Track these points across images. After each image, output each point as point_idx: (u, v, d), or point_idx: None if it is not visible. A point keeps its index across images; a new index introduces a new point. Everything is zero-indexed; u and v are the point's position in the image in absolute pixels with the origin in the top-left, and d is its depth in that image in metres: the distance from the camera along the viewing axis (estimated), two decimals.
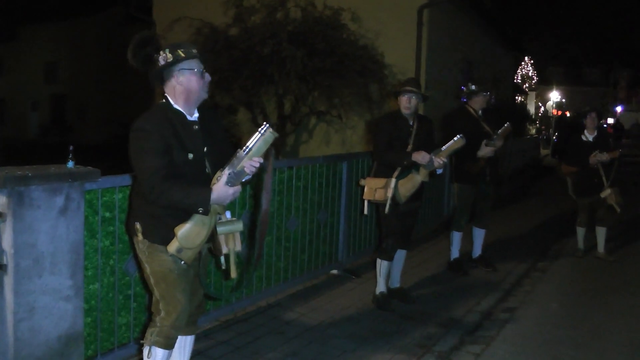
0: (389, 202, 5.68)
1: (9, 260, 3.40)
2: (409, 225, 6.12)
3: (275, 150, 3.43)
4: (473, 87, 7.24)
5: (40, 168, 3.63)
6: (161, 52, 3.47)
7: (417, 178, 5.74)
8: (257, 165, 3.34)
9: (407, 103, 5.84)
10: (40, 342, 3.57)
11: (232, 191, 3.36)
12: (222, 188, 3.33)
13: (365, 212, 6.08)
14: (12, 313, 3.42)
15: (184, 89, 3.51)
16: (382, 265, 6.05)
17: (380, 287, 6.10)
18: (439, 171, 5.81)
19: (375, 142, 5.97)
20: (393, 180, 5.68)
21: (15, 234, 3.39)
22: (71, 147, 3.74)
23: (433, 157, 5.64)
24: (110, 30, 33.44)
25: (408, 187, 5.70)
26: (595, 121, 8.36)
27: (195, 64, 3.51)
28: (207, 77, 3.59)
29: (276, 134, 3.32)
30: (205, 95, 3.62)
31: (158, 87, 3.65)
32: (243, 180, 3.38)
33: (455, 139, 5.70)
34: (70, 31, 35.51)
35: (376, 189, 5.79)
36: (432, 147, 5.77)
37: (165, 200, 3.34)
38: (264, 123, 3.34)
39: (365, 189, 5.93)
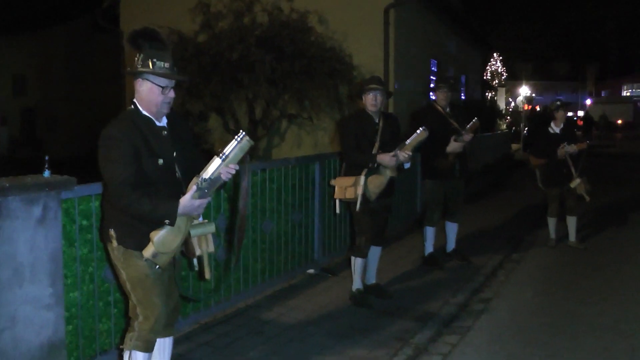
0: (359, 199, 5.78)
1: None
2: (382, 222, 6.23)
3: (249, 155, 3.51)
4: (434, 84, 7.42)
5: (17, 179, 3.68)
6: (138, 54, 3.53)
7: (386, 173, 5.84)
8: (233, 172, 3.44)
9: (373, 101, 5.94)
10: (23, 352, 3.62)
11: (198, 204, 3.45)
12: (188, 201, 3.42)
13: (337, 211, 6.17)
14: None
15: (144, 98, 3.58)
16: (356, 262, 6.15)
17: (356, 284, 6.20)
18: (407, 165, 5.93)
19: (342, 143, 6.07)
20: (362, 178, 5.78)
21: None
22: (47, 157, 3.80)
23: (398, 151, 5.75)
24: (77, 41, 33.21)
25: (377, 184, 5.80)
26: (564, 115, 8.56)
27: (159, 80, 3.53)
28: (171, 94, 3.61)
29: (252, 142, 3.42)
30: (165, 111, 3.64)
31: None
32: (217, 186, 3.47)
33: (418, 131, 5.83)
34: (37, 42, 35.18)
35: (346, 188, 5.89)
36: (398, 144, 5.87)
37: (133, 211, 3.42)
38: (240, 131, 3.43)
39: (336, 189, 6.02)
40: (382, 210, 6.12)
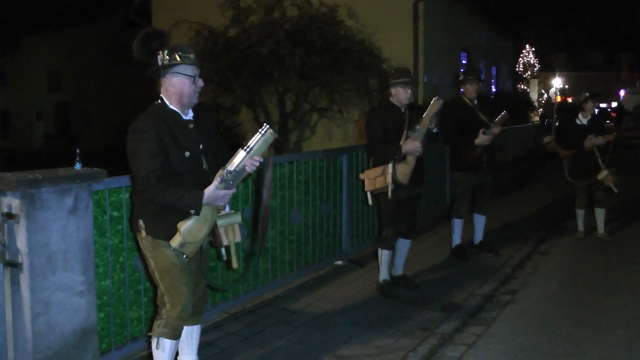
0: (390, 187, 5.81)
1: (24, 259, 3.57)
2: (412, 214, 6.27)
3: (276, 148, 3.61)
4: (461, 76, 7.41)
5: (50, 171, 3.81)
6: (159, 52, 3.63)
7: (410, 160, 5.85)
8: (257, 164, 3.54)
9: (404, 94, 5.98)
10: (57, 336, 3.75)
11: (223, 194, 3.55)
12: (212, 192, 3.53)
13: (370, 202, 6.18)
14: (29, 309, 3.60)
15: (176, 91, 3.67)
16: (383, 254, 6.20)
17: (383, 275, 6.26)
18: (435, 130, 5.93)
19: (369, 137, 6.10)
20: (390, 166, 5.80)
21: (29, 234, 3.56)
22: (78, 151, 3.93)
23: (418, 126, 5.76)
24: (110, 36, 33.62)
25: (405, 168, 5.82)
26: (593, 106, 8.52)
27: (190, 70, 3.65)
28: (200, 83, 3.73)
29: (276, 135, 3.52)
30: (195, 100, 3.76)
31: (156, 81, 3.82)
32: (242, 177, 3.56)
33: (432, 102, 5.82)
34: (71, 39, 35.70)
35: (376, 178, 5.91)
36: (425, 137, 5.89)
37: (160, 201, 3.53)
38: (264, 124, 3.53)
39: (366, 181, 6.06)
40: (412, 201, 6.16)
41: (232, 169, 3.49)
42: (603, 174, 8.26)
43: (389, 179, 5.80)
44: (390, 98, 6.07)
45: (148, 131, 3.52)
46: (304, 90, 12.82)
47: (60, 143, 34.67)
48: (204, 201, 3.50)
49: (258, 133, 3.49)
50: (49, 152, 32.25)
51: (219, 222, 3.72)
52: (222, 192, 3.53)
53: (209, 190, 3.51)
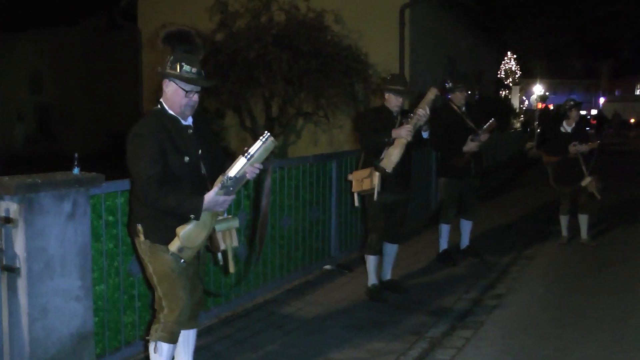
0: (376, 189, 5.87)
1: (21, 264, 3.59)
2: (399, 218, 6.33)
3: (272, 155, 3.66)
4: (450, 84, 7.48)
5: (48, 176, 3.83)
6: (168, 55, 3.67)
7: (398, 144, 5.83)
8: (257, 171, 3.58)
9: (395, 101, 6.05)
10: (54, 341, 3.77)
11: (222, 200, 3.60)
12: (212, 198, 3.56)
13: (356, 204, 6.23)
14: (27, 314, 3.62)
15: (169, 98, 3.71)
16: (369, 260, 6.28)
17: (372, 280, 6.32)
18: (425, 134, 5.99)
19: (360, 130, 6.18)
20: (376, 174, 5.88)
21: (27, 239, 3.59)
22: (76, 155, 3.94)
23: (412, 115, 5.83)
24: (94, 38, 33.43)
25: (392, 155, 5.79)
26: (578, 114, 8.64)
27: (184, 84, 3.65)
28: (195, 97, 3.73)
29: (276, 143, 3.56)
30: (189, 113, 3.76)
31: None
32: (242, 184, 3.61)
33: (429, 90, 5.88)
34: (54, 39, 35.38)
35: (362, 179, 5.99)
36: (415, 138, 5.91)
37: (161, 206, 3.56)
38: (266, 132, 3.57)
39: (353, 182, 6.13)
40: (398, 206, 6.22)
41: (232, 175, 3.53)
42: (586, 181, 8.38)
43: (376, 180, 5.86)
44: (385, 102, 6.14)
45: (148, 136, 3.55)
46: (290, 95, 12.85)
47: (41, 145, 34.40)
48: (204, 207, 3.54)
49: (259, 140, 3.53)
50: (30, 153, 32.00)
51: (217, 227, 3.75)
52: (222, 198, 3.57)
53: (209, 196, 3.55)
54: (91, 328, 4.02)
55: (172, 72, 3.64)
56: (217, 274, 5.43)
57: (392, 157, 5.80)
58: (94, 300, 4.22)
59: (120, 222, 4.43)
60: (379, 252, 6.29)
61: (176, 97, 3.69)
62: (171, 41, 3.70)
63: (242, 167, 3.53)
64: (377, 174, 5.84)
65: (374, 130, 5.99)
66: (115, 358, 4.47)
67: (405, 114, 6.17)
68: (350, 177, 6.26)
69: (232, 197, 3.64)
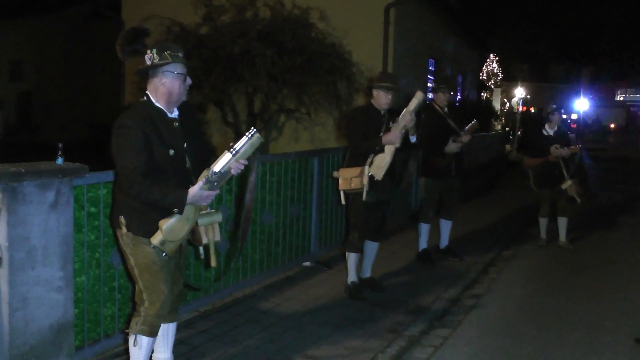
0: (365, 189, 5.91)
1: (3, 253, 3.58)
2: (380, 217, 6.37)
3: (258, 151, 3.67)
4: (433, 84, 7.54)
5: (32, 165, 3.82)
6: (148, 51, 3.66)
7: (387, 151, 5.92)
8: (242, 167, 3.59)
9: (385, 99, 6.08)
10: (34, 331, 3.76)
11: (207, 194, 3.60)
12: (197, 192, 3.57)
13: (343, 202, 6.26)
14: (7, 304, 3.60)
15: (167, 90, 3.70)
16: (350, 257, 6.31)
17: (351, 277, 6.35)
18: (413, 139, 6.02)
19: (351, 133, 6.16)
20: (366, 168, 5.91)
21: (10, 228, 3.57)
22: (60, 145, 3.93)
23: (399, 119, 5.85)
24: (77, 27, 33.19)
25: (381, 161, 5.89)
26: (559, 118, 8.75)
27: (180, 68, 3.70)
28: (189, 80, 3.79)
29: (262, 139, 3.57)
30: (184, 98, 3.83)
31: (142, 82, 3.85)
32: (226, 179, 3.62)
33: (415, 94, 5.88)
34: (35, 28, 35.09)
35: (352, 179, 5.99)
36: (403, 141, 5.95)
37: (145, 198, 3.55)
38: (252, 128, 3.58)
39: (340, 180, 6.13)
40: (380, 205, 6.25)
41: (217, 170, 3.54)
42: (567, 184, 8.48)
43: (365, 181, 5.88)
44: (372, 100, 6.17)
45: (133, 127, 3.54)
46: (273, 91, 12.84)
47: (20, 134, 34.11)
48: (187, 200, 3.55)
49: (245, 136, 3.55)
50: (9, 142, 31.71)
51: (200, 221, 3.76)
52: (206, 192, 3.58)
53: (193, 190, 3.56)
54: (71, 319, 4.02)
55: (165, 61, 3.64)
56: (198, 267, 5.44)
57: (381, 164, 5.90)
58: (75, 291, 4.20)
59: (103, 214, 4.42)
60: (360, 250, 6.32)
61: (174, 86, 3.69)
62: (135, 41, 3.68)
63: (227, 163, 3.54)
64: (367, 174, 5.88)
65: (364, 137, 6.00)
66: (94, 350, 4.47)
67: (393, 112, 6.20)
68: (336, 174, 6.26)
69: (217, 191, 3.65)
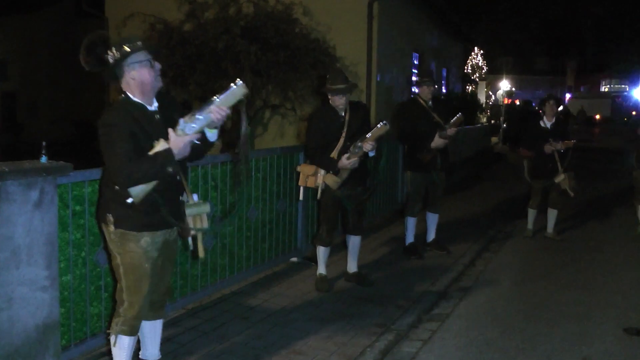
0: (320, 188, 5.99)
1: None
2: (357, 211, 6.35)
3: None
4: (417, 78, 7.55)
5: (16, 164, 3.78)
6: (109, 52, 3.63)
7: (342, 174, 6.00)
8: (224, 113, 3.53)
9: (339, 101, 6.04)
10: (19, 331, 3.73)
11: (188, 139, 3.56)
12: (175, 140, 3.54)
13: (301, 197, 6.34)
14: None
15: (138, 81, 3.68)
16: (319, 250, 6.39)
17: (320, 270, 6.44)
18: (371, 153, 6.01)
19: (307, 141, 6.18)
20: (322, 171, 5.98)
21: None
22: (44, 143, 3.91)
23: (359, 143, 5.84)
24: (61, 26, 32.98)
25: (333, 180, 5.97)
26: (554, 108, 8.73)
27: (142, 56, 3.65)
28: (157, 65, 3.74)
29: (246, 90, 3.50)
30: (159, 84, 3.78)
31: (114, 85, 3.81)
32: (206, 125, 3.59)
33: (379, 125, 5.81)
34: (19, 27, 34.84)
35: (307, 176, 6.09)
36: (368, 131, 5.91)
37: (137, 174, 3.50)
38: (237, 79, 3.53)
39: (300, 176, 6.23)
40: (353, 199, 6.23)
41: (198, 116, 3.52)
42: (560, 177, 8.50)
43: (320, 180, 5.97)
44: (330, 101, 6.15)
45: (117, 124, 3.53)
46: (258, 87, 12.80)
47: (5, 134, 33.87)
48: (174, 152, 3.53)
49: (230, 86, 3.51)
50: None
51: (188, 212, 3.76)
52: (185, 138, 3.56)
53: (172, 140, 3.54)
54: (57, 319, 3.99)
55: (126, 53, 3.60)
56: (183, 264, 5.42)
57: (336, 180, 5.98)
58: (61, 291, 4.18)
59: (88, 212, 4.40)
60: (329, 244, 6.37)
61: (144, 75, 3.66)
62: (95, 48, 3.65)
63: (207, 107, 3.50)
64: (321, 174, 5.95)
65: (319, 146, 6.01)
66: (80, 349, 4.45)
67: (359, 107, 6.21)
68: (298, 168, 6.36)
69: (194, 137, 3.61)
